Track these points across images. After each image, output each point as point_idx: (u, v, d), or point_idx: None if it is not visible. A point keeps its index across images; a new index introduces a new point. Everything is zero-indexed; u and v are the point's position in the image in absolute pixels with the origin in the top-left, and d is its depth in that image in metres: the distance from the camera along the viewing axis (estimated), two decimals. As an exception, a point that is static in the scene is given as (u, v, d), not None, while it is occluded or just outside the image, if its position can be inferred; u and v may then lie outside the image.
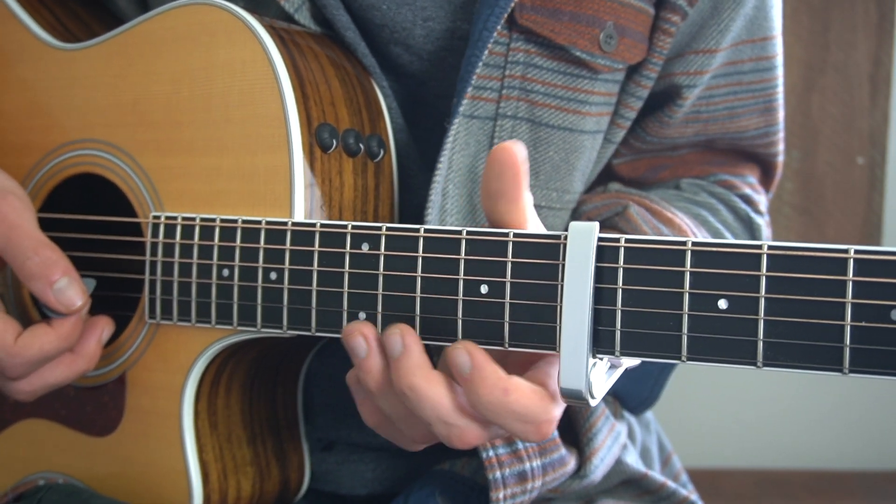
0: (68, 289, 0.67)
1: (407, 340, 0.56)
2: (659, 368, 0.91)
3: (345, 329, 0.59)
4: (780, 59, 0.87)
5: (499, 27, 0.69)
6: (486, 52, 0.70)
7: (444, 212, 0.72)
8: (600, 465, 0.79)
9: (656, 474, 0.84)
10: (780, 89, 0.88)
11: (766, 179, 0.94)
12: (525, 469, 0.71)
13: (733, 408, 2.46)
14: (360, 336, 0.58)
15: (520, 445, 0.72)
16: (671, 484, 0.82)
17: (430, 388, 0.55)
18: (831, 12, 2.34)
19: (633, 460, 0.86)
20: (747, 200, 0.90)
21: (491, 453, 0.70)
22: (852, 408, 2.44)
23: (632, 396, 0.91)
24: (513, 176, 0.54)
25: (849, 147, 2.38)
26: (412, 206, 0.74)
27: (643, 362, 0.75)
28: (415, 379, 0.55)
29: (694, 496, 0.83)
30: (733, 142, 0.89)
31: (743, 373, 2.42)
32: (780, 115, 0.89)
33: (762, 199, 0.92)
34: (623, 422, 0.92)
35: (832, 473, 2.45)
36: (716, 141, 0.89)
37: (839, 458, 2.46)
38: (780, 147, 0.92)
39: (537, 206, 0.77)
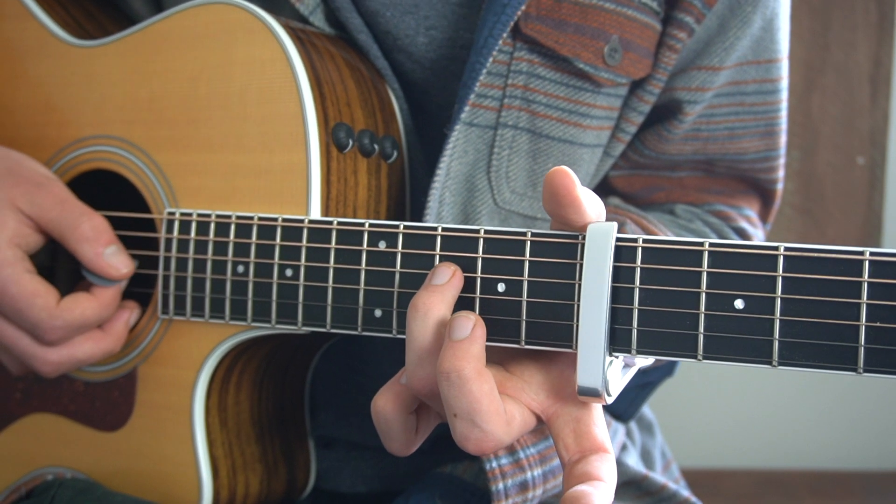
0: (118, 254, 0.71)
1: (477, 331, 0.55)
2: (637, 389, 0.91)
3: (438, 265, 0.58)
4: (784, 83, 0.85)
5: (504, 35, 0.69)
6: (491, 59, 0.69)
7: (440, 219, 0.72)
8: None
9: (657, 475, 0.84)
10: (784, 114, 0.87)
11: (764, 210, 0.93)
12: (527, 479, 0.72)
13: (733, 408, 2.47)
14: (449, 268, 0.57)
15: (521, 455, 0.72)
16: (672, 485, 0.83)
17: (476, 382, 0.53)
18: (831, 12, 2.34)
19: (633, 461, 0.86)
20: (741, 234, 0.88)
21: (494, 464, 0.70)
22: (852, 408, 2.44)
23: (608, 411, 0.91)
24: (568, 201, 0.54)
25: (849, 147, 2.38)
26: (417, 208, 0.75)
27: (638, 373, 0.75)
28: (467, 367, 0.53)
29: (693, 499, 0.83)
30: (732, 164, 0.88)
31: (743, 373, 2.43)
32: (782, 140, 0.88)
33: (758, 234, 0.91)
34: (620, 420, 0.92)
35: (832, 473, 2.45)
36: (715, 162, 0.88)
37: (839, 458, 2.46)
38: (780, 174, 0.91)
39: (533, 218, 0.77)
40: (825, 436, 2.47)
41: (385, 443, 0.59)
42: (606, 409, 0.90)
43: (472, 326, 0.54)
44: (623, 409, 0.91)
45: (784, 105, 0.86)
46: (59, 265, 0.81)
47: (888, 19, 2.35)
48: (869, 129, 2.37)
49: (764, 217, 0.93)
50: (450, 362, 0.53)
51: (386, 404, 0.58)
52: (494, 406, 0.53)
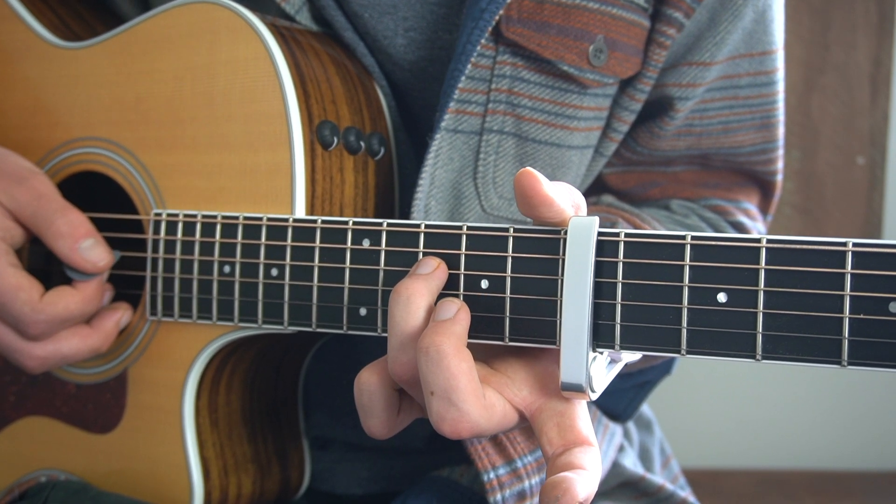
0: (94, 248, 0.70)
1: (461, 314, 0.55)
2: (636, 389, 0.90)
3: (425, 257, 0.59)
4: (780, 75, 0.84)
5: (484, 40, 0.68)
6: (470, 65, 0.69)
7: None
8: None
9: (654, 476, 0.84)
10: (780, 105, 0.85)
11: (764, 202, 0.92)
12: (524, 488, 0.71)
13: (733, 408, 2.46)
14: (434, 260, 0.58)
15: (518, 464, 0.72)
16: (669, 486, 0.82)
17: (455, 359, 0.52)
18: (831, 12, 2.34)
19: (630, 462, 0.86)
20: (739, 228, 0.88)
21: (492, 475, 0.70)
22: (852, 408, 2.44)
23: (606, 411, 0.90)
24: (538, 201, 0.54)
25: (849, 147, 2.38)
26: (406, 204, 0.74)
27: (620, 378, 0.75)
28: (446, 343, 0.53)
29: (691, 498, 0.82)
30: (728, 158, 0.87)
31: (743, 373, 2.43)
32: (780, 132, 0.87)
33: (758, 227, 0.90)
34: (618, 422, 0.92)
35: (832, 473, 2.45)
36: (710, 157, 0.87)
37: (839, 458, 2.45)
38: (779, 165, 0.89)
39: (522, 223, 0.77)
40: (825, 436, 2.46)
41: (364, 421, 0.58)
42: (604, 410, 0.90)
43: (456, 309, 0.55)
44: (621, 410, 0.91)
45: (781, 97, 0.85)
46: (54, 268, 0.81)
47: (888, 19, 2.35)
48: (869, 129, 2.37)
49: (764, 209, 0.92)
50: (430, 338, 0.53)
51: (371, 377, 0.57)
52: (472, 385, 0.53)
